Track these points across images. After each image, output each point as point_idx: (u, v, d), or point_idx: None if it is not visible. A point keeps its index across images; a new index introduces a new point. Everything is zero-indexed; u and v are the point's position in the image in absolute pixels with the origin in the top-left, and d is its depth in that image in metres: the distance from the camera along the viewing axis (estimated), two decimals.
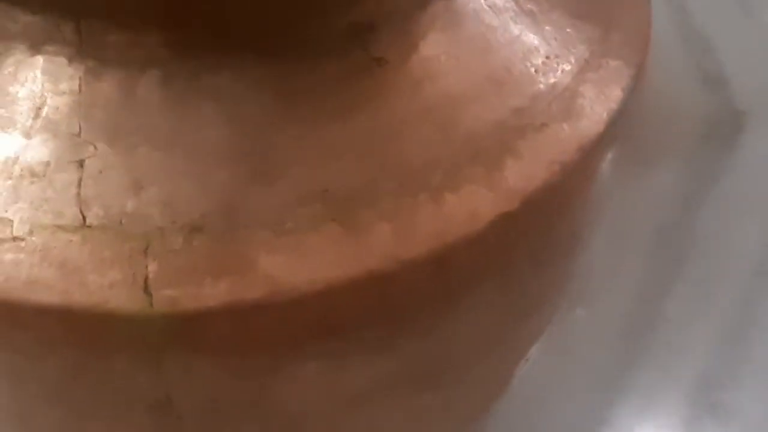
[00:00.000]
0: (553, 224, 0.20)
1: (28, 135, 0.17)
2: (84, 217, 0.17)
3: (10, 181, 0.17)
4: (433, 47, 0.19)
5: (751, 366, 0.40)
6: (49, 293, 0.17)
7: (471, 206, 0.18)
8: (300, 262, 0.17)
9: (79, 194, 0.17)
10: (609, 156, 0.22)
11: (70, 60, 0.17)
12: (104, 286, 0.17)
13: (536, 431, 0.38)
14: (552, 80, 0.20)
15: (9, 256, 0.17)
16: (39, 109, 0.17)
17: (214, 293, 0.17)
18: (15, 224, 0.17)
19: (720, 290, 0.43)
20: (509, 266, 0.20)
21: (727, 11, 0.58)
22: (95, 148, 0.17)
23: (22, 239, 0.17)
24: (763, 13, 0.57)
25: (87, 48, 0.17)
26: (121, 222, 0.17)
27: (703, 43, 0.57)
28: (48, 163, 0.17)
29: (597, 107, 0.21)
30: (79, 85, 0.17)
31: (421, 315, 0.19)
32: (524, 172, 0.19)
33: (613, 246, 0.44)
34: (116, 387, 0.18)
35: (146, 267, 0.17)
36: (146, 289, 0.17)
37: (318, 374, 0.19)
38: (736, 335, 0.41)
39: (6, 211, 0.17)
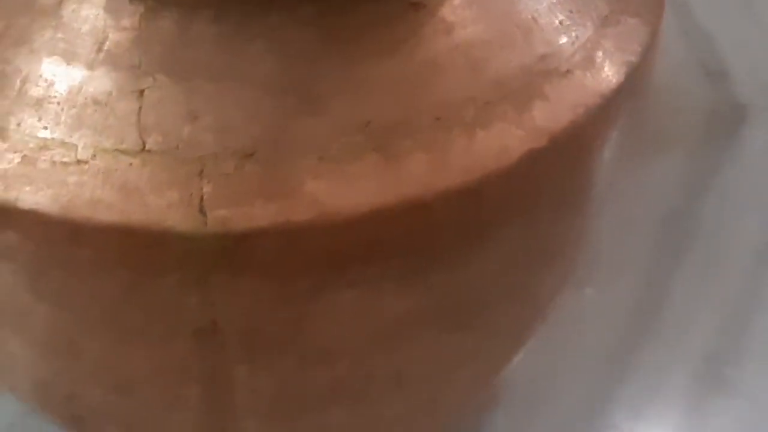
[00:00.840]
0: (575, 166, 0.22)
1: (91, 67, 0.19)
2: (144, 142, 0.18)
3: (74, 110, 0.18)
4: None
5: (754, 343, 0.42)
6: (110, 212, 0.18)
7: (502, 142, 0.20)
8: (343, 188, 0.18)
9: (139, 121, 0.18)
10: (627, 108, 0.23)
11: None
12: (162, 206, 0.18)
13: (545, 408, 0.39)
14: (575, 33, 0.22)
15: (73, 178, 0.18)
16: (101, 43, 0.19)
17: (263, 214, 0.18)
18: (79, 149, 0.18)
19: (723, 272, 0.44)
20: (535, 205, 0.21)
21: (728, 7, 0.60)
22: (154, 79, 0.18)
23: (86, 162, 0.18)
24: (764, 8, 0.58)
25: None
26: (177, 147, 0.18)
27: (705, 38, 0.59)
28: (110, 93, 0.18)
29: (617, 59, 0.22)
30: (139, 22, 0.19)
31: (452, 246, 0.20)
32: (551, 113, 0.20)
33: (620, 231, 0.46)
34: (165, 310, 0.20)
35: (201, 189, 0.18)
36: (201, 209, 0.18)
37: (353, 303, 0.20)
38: (740, 314, 0.43)
39: (71, 137, 0.18)
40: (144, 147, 0.18)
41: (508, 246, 0.21)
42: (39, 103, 0.18)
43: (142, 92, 0.18)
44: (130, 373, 0.22)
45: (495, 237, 0.21)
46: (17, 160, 0.18)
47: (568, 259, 0.26)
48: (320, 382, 0.22)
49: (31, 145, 0.18)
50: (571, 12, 0.22)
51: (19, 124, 0.18)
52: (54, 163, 0.18)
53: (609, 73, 0.22)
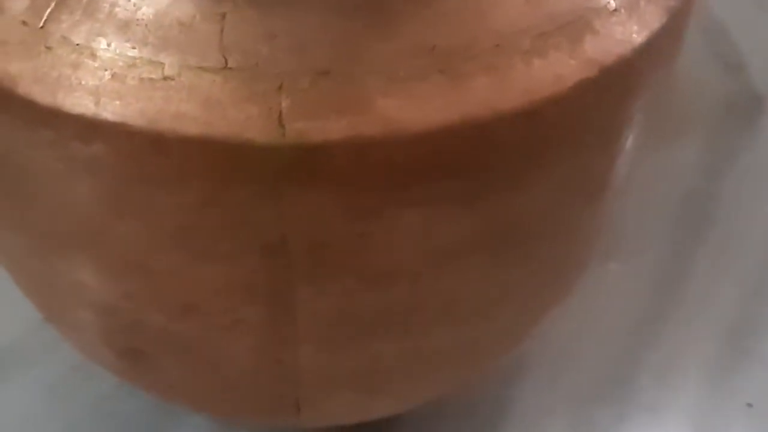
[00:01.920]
0: (621, 101, 0.23)
1: None
2: (225, 60, 0.19)
3: (161, 31, 0.20)
4: None
5: None
6: (194, 125, 0.19)
7: (556, 70, 0.21)
8: (410, 106, 0.20)
9: (221, 41, 0.19)
10: (668, 53, 0.25)
11: None
12: (242, 119, 0.19)
13: (570, 378, 0.40)
14: None
15: (160, 93, 0.19)
16: None
17: (337, 128, 0.19)
18: (165, 66, 0.19)
19: (743, 247, 0.45)
20: (585, 134, 0.22)
21: (745, 2, 0.62)
22: (234, 3, 0.20)
23: (172, 79, 0.19)
24: None
25: None
26: (257, 64, 0.19)
27: (723, 33, 0.60)
28: (194, 16, 0.20)
29: (659, 3, 0.23)
30: None
31: (508, 169, 0.21)
32: (601, 47, 0.22)
33: (643, 210, 0.47)
34: (237, 223, 0.21)
35: (279, 103, 0.19)
36: (280, 121, 0.19)
37: (414, 223, 0.21)
38: (761, 287, 0.44)
39: (157, 56, 0.20)
40: (226, 64, 0.19)
41: (556, 176, 0.23)
42: (127, 25, 0.20)
43: (223, 15, 0.20)
44: (197, 293, 0.23)
45: (546, 164, 0.22)
46: (107, 77, 0.19)
47: (606, 206, 0.27)
48: (375, 306, 0.23)
49: (120, 64, 0.20)
50: None
51: (109, 44, 0.20)
52: (142, 79, 0.19)
53: (652, 15, 0.23)
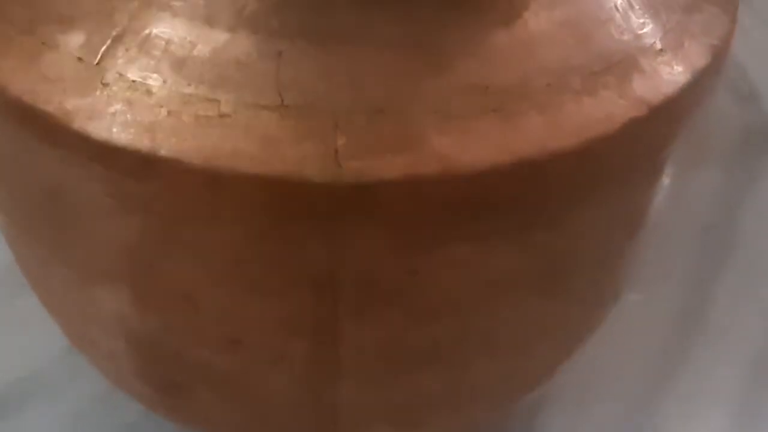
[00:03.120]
0: (667, 138, 0.23)
1: (232, 30, 0.20)
2: (282, 98, 0.19)
3: (217, 68, 0.20)
4: None
5: None
6: (251, 163, 0.19)
7: (607, 109, 0.21)
8: (465, 144, 0.20)
9: (277, 79, 0.20)
10: (711, 90, 0.25)
11: None
12: (299, 157, 0.19)
13: (593, 410, 0.39)
14: (664, 17, 0.23)
15: (216, 131, 0.19)
16: (241, 10, 0.20)
17: (393, 166, 0.19)
18: (221, 104, 0.20)
19: (764, 278, 0.45)
20: (632, 171, 0.22)
21: (758, 36, 0.62)
22: (291, 42, 0.20)
23: (228, 116, 0.19)
24: None
25: None
26: (313, 102, 0.19)
27: (737, 65, 0.61)
28: (250, 54, 0.20)
29: (703, 42, 0.24)
30: None
31: (558, 205, 0.21)
32: (649, 86, 0.22)
33: (663, 240, 0.47)
34: (289, 259, 0.21)
35: (336, 141, 0.19)
36: (336, 159, 0.19)
37: (464, 258, 0.21)
38: None
39: (213, 93, 0.20)
40: (282, 102, 0.19)
41: (603, 211, 0.23)
42: (183, 63, 0.20)
43: (280, 53, 0.20)
44: (242, 327, 0.23)
45: (594, 200, 0.22)
46: (164, 113, 0.19)
47: (645, 234, 0.27)
48: (419, 341, 0.23)
49: (176, 101, 0.20)
50: None
51: (164, 81, 0.20)
52: (198, 116, 0.19)
53: (697, 54, 0.23)
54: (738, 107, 0.57)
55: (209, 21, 0.20)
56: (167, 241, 0.21)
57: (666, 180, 0.26)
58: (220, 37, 0.20)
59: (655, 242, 0.45)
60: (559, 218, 0.22)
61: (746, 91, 0.58)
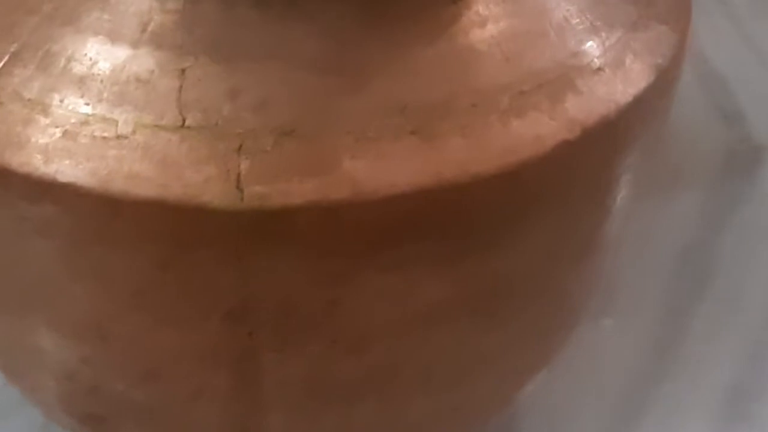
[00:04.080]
0: (606, 162, 0.22)
1: (135, 47, 0.19)
2: (183, 119, 0.18)
3: (116, 87, 0.19)
4: None
5: None
6: (148, 186, 0.18)
7: (536, 131, 0.20)
8: (381, 168, 0.18)
9: (179, 98, 0.18)
10: (657, 111, 0.24)
11: None
12: (199, 181, 0.18)
13: None
14: (605, 34, 0.22)
15: (113, 152, 0.18)
16: (146, 24, 0.19)
17: (300, 191, 0.18)
18: (119, 124, 0.18)
19: (743, 305, 0.44)
20: (567, 196, 0.21)
21: (743, 53, 0.61)
22: (196, 58, 0.19)
23: (126, 137, 0.18)
24: None
25: None
26: (217, 123, 0.18)
27: (721, 83, 0.60)
28: (152, 71, 0.19)
29: (646, 61, 0.22)
30: (183, 5, 0.19)
31: (487, 232, 0.20)
32: (583, 107, 0.20)
33: (639, 264, 0.46)
34: (198, 288, 0.20)
35: (239, 165, 0.18)
36: (238, 184, 0.18)
37: (387, 287, 0.20)
38: (761, 348, 0.42)
39: (112, 113, 0.19)
40: (184, 123, 0.18)
41: (540, 236, 0.21)
42: (82, 81, 0.19)
43: (183, 71, 0.19)
44: (157, 359, 0.22)
45: (528, 225, 0.21)
46: (58, 134, 0.18)
47: (595, 265, 0.26)
48: (348, 372, 0.22)
49: (73, 120, 0.18)
50: (601, 14, 0.22)
51: (62, 101, 0.19)
52: (94, 137, 0.18)
53: (639, 73, 0.22)
54: (721, 126, 0.55)
55: (112, 36, 0.19)
56: (69, 266, 0.20)
57: (622, 203, 0.25)
58: (122, 53, 0.19)
59: (630, 265, 0.44)
60: (489, 243, 0.20)
61: (730, 109, 0.57)
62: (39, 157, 0.18)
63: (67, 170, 0.18)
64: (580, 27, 0.22)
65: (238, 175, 0.18)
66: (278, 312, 0.20)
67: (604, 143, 0.21)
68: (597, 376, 0.42)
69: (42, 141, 0.18)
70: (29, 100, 0.19)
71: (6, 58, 0.19)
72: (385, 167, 0.18)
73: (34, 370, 0.25)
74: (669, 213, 0.50)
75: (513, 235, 0.21)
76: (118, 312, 0.21)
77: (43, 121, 0.19)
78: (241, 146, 0.18)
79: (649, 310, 0.44)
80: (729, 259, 0.47)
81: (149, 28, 0.19)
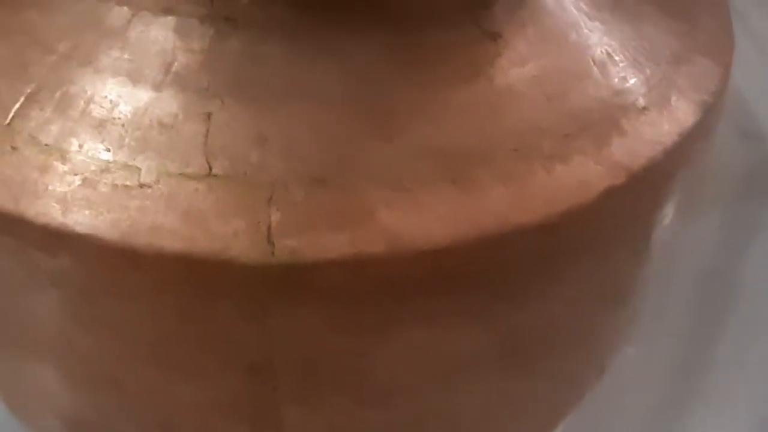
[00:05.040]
0: (649, 205, 0.21)
1: (158, 89, 0.18)
2: (210, 167, 0.17)
3: (139, 132, 0.18)
4: (542, 26, 0.20)
5: None
6: (173, 239, 0.17)
7: (581, 177, 0.19)
8: (417, 219, 0.17)
9: (206, 145, 0.17)
10: (701, 149, 0.22)
11: (202, 20, 0.18)
12: (228, 233, 0.17)
13: None
14: (649, 70, 0.21)
15: (135, 203, 0.17)
16: (169, 65, 0.18)
17: (333, 244, 0.17)
18: (142, 172, 0.17)
19: (766, 331, 0.43)
20: (608, 243, 0.20)
21: (763, 72, 0.60)
22: (222, 102, 0.18)
23: (149, 186, 0.17)
24: None
25: (217, 9, 0.18)
26: (245, 172, 0.17)
27: (741, 102, 0.59)
28: (176, 115, 0.18)
29: (691, 98, 0.21)
30: (209, 44, 0.18)
31: (525, 282, 0.19)
32: (629, 149, 0.19)
33: (660, 290, 0.45)
34: (219, 341, 0.18)
35: (269, 217, 0.17)
36: (269, 238, 0.17)
37: (418, 339, 0.19)
38: None
39: (134, 160, 0.17)
40: (210, 171, 0.17)
41: (578, 285, 0.20)
42: (102, 125, 0.18)
43: (209, 115, 0.18)
44: (174, 410, 0.20)
45: (567, 274, 0.20)
46: (77, 182, 0.17)
47: (630, 308, 0.25)
48: (373, 424, 0.21)
49: (93, 168, 0.17)
50: (644, 48, 0.21)
51: (81, 146, 0.18)
52: (115, 186, 0.17)
53: (684, 112, 0.21)
54: (741, 146, 0.54)
55: (133, 78, 0.18)
56: (87, 317, 0.19)
57: (661, 245, 0.24)
58: (144, 95, 0.18)
59: (652, 293, 0.43)
60: (524, 295, 0.19)
61: (750, 128, 0.56)
62: (57, 206, 0.17)
63: (86, 221, 0.17)
64: (623, 63, 0.21)
65: (269, 227, 0.17)
66: (303, 365, 0.19)
67: (648, 187, 0.20)
68: (620, 404, 0.40)
69: (60, 189, 0.17)
70: (46, 145, 0.18)
71: (21, 100, 0.18)
72: (421, 219, 0.17)
73: (40, 410, 0.24)
74: (688, 237, 0.49)
75: (549, 284, 0.20)
76: (133, 363, 0.20)
77: (61, 167, 0.18)
78: (271, 197, 0.17)
79: (672, 337, 0.43)
80: (751, 282, 0.46)
81: (172, 69, 0.18)
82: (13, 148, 0.18)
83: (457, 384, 0.21)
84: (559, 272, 0.19)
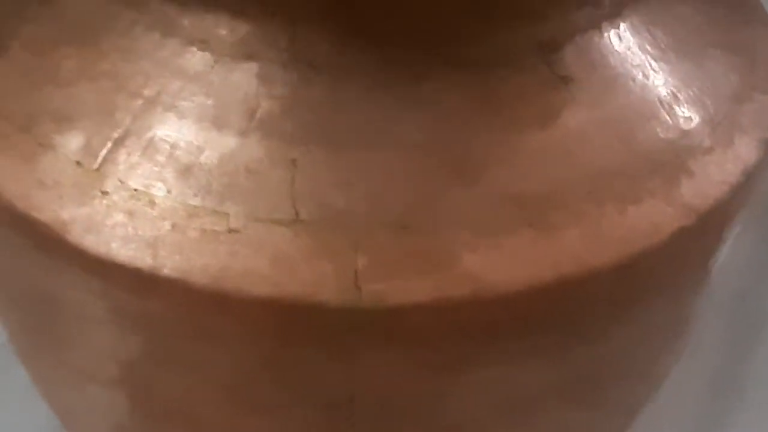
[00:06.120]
0: (715, 242, 0.21)
1: (243, 135, 0.18)
2: (297, 212, 0.18)
3: (226, 177, 0.18)
4: (610, 68, 0.20)
5: None
6: (263, 284, 0.17)
7: (652, 219, 0.19)
8: (499, 263, 0.18)
9: (292, 190, 0.18)
10: (763, 183, 0.23)
11: (284, 67, 0.18)
12: (315, 278, 0.17)
13: None
14: (712, 109, 0.22)
15: (224, 248, 0.18)
16: (253, 111, 0.18)
17: (420, 288, 0.17)
18: (230, 217, 0.18)
19: None
20: (677, 281, 0.20)
21: None
22: (307, 148, 0.18)
23: (238, 232, 0.18)
24: None
25: (300, 56, 0.18)
26: (331, 218, 0.18)
27: None
28: (262, 161, 0.18)
29: (754, 135, 0.22)
30: (292, 90, 0.18)
31: (598, 321, 0.20)
32: (698, 190, 0.20)
33: None
34: (300, 380, 0.19)
35: (356, 262, 0.17)
36: (356, 282, 0.17)
37: (494, 377, 0.20)
38: None
39: (222, 205, 0.18)
40: (297, 217, 0.18)
41: (647, 321, 0.21)
42: (189, 170, 0.18)
43: (294, 161, 0.18)
44: None
45: (637, 312, 0.20)
46: (167, 227, 0.18)
47: (686, 335, 0.25)
48: None
49: (181, 213, 0.18)
50: (706, 87, 0.22)
51: (169, 191, 0.18)
52: (204, 231, 0.18)
53: (747, 150, 0.21)
54: None
55: (218, 123, 0.18)
56: (168, 357, 0.19)
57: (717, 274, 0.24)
58: (229, 141, 0.18)
59: None
60: (596, 334, 0.20)
61: None
62: (147, 251, 0.18)
63: (177, 266, 0.17)
64: (688, 103, 0.21)
65: (356, 272, 0.17)
66: (381, 402, 0.20)
67: (715, 225, 0.21)
68: (656, 418, 0.41)
69: (150, 234, 0.18)
70: (135, 190, 0.18)
71: (109, 144, 0.19)
72: (503, 263, 0.18)
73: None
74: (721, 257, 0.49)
75: (621, 322, 0.20)
76: (211, 402, 0.20)
77: (150, 212, 0.18)
78: (357, 242, 0.18)
79: (707, 353, 0.43)
80: None
81: (257, 115, 0.18)
82: (103, 193, 0.18)
83: (522, 416, 0.21)
84: (630, 310, 0.20)
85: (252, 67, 0.19)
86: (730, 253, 0.46)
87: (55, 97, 0.19)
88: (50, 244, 0.18)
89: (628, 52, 0.21)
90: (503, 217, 0.18)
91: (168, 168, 0.18)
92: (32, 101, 0.20)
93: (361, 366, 0.19)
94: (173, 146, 0.19)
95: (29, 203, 0.19)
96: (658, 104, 0.20)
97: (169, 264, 0.18)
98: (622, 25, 0.21)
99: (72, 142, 0.19)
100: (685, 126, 0.20)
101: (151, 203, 0.18)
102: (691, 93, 0.21)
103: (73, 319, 0.20)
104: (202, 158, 0.18)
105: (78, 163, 0.19)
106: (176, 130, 0.19)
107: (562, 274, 0.18)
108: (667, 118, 0.20)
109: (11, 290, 0.22)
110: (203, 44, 0.19)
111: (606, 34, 0.20)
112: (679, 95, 0.21)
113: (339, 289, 0.17)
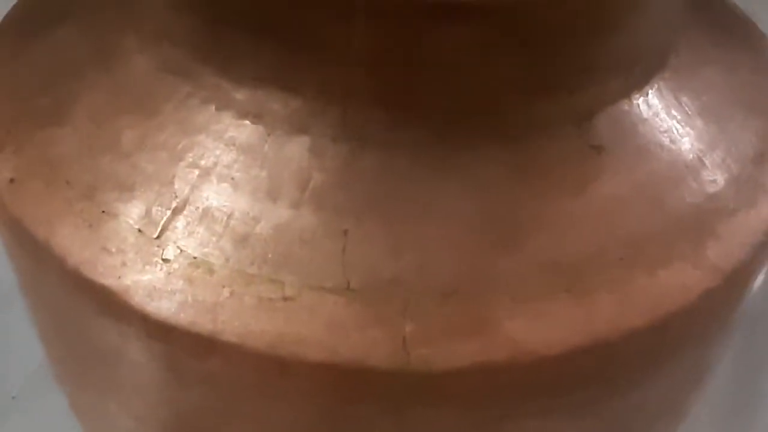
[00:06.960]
0: (739, 299, 0.22)
1: (296, 206, 0.19)
2: (348, 281, 0.19)
3: (281, 247, 0.19)
4: (640, 136, 0.21)
5: None
6: (317, 350, 0.19)
7: (681, 281, 0.20)
8: (537, 328, 0.19)
9: (343, 260, 0.19)
10: None
11: (335, 140, 0.20)
12: (366, 344, 0.19)
13: None
14: (736, 170, 0.23)
15: (280, 315, 0.19)
16: (306, 182, 0.19)
17: (464, 352, 0.19)
18: (285, 286, 0.19)
19: None
20: (704, 336, 0.22)
21: None
22: (357, 218, 0.19)
23: (293, 299, 0.19)
24: None
25: (350, 130, 0.20)
26: (381, 286, 0.19)
27: None
28: (315, 232, 0.19)
29: None
30: (342, 163, 0.19)
31: (630, 378, 0.21)
32: (723, 252, 0.21)
33: None
34: None
35: (404, 327, 0.19)
36: (404, 347, 0.18)
37: (533, 428, 0.21)
38: None
39: (277, 274, 0.19)
40: (348, 285, 0.19)
41: (677, 373, 0.22)
42: (245, 240, 0.19)
43: (346, 231, 0.19)
44: None
45: (668, 366, 0.21)
46: (226, 294, 0.19)
47: (712, 372, 0.26)
48: None
49: (239, 281, 0.19)
50: (729, 149, 0.23)
51: (227, 260, 0.19)
52: (261, 298, 0.19)
53: None
54: None
55: (272, 195, 0.20)
56: (225, 413, 0.21)
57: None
58: (283, 212, 0.19)
59: None
60: (629, 388, 0.21)
61: None
62: (208, 316, 0.19)
63: (236, 331, 0.19)
64: (713, 166, 0.22)
65: (404, 338, 0.19)
66: None
67: (739, 283, 0.22)
68: None
69: (210, 300, 0.19)
70: (194, 258, 0.19)
71: (169, 213, 0.20)
72: (541, 327, 0.19)
73: None
74: None
75: (651, 377, 0.21)
76: None
77: (209, 279, 0.19)
78: (405, 308, 0.19)
79: (721, 379, 0.44)
80: None
81: (309, 187, 0.20)
82: (164, 260, 0.19)
83: None
84: (661, 366, 0.21)
85: (304, 140, 0.20)
86: None
87: (116, 166, 0.21)
88: (114, 308, 0.20)
89: (656, 119, 0.22)
90: (541, 283, 0.19)
91: (225, 237, 0.20)
92: (95, 169, 0.21)
93: (410, 421, 0.20)
94: (229, 216, 0.20)
95: (93, 269, 0.20)
96: (685, 169, 0.22)
97: (228, 329, 0.19)
98: (650, 93, 0.22)
99: (133, 210, 0.20)
100: (710, 189, 0.22)
101: (210, 271, 0.19)
102: (716, 156, 0.22)
103: (129, 369, 0.21)
104: (258, 228, 0.19)
105: (140, 230, 0.20)
106: (232, 201, 0.20)
107: (597, 338, 0.19)
108: (693, 182, 0.21)
109: (69, 340, 0.24)
110: (257, 118, 0.20)
111: (635, 102, 0.21)
112: (704, 159, 0.22)
113: (388, 354, 0.18)
